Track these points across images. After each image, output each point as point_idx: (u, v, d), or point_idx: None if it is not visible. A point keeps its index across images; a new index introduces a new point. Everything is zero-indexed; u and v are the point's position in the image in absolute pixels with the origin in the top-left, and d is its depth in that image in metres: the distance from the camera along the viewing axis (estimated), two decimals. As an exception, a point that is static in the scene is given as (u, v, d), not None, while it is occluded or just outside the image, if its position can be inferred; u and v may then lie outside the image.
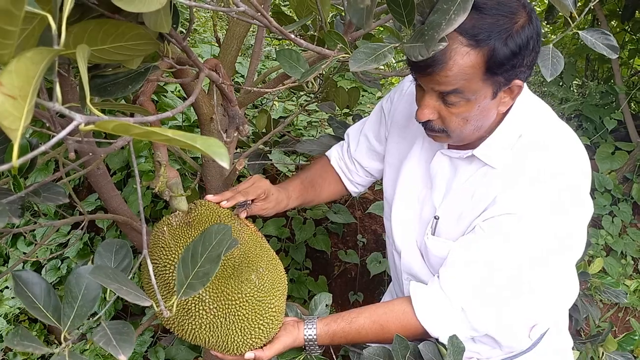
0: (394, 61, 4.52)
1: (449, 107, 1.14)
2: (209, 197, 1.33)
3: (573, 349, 1.63)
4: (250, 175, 2.75)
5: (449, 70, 1.07)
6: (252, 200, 1.38)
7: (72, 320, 0.93)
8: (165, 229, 1.24)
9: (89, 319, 0.98)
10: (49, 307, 0.93)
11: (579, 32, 1.28)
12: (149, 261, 0.88)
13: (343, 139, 1.73)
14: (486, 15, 1.05)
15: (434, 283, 1.27)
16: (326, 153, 1.71)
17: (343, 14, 1.77)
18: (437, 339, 1.27)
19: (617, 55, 1.24)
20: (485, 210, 1.23)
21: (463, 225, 1.28)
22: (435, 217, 1.33)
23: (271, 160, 2.57)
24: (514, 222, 1.18)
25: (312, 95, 2.26)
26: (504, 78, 1.10)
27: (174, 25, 0.91)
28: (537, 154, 1.19)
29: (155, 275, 1.21)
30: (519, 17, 1.07)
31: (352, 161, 1.63)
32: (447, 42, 0.88)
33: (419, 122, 1.21)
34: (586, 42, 1.26)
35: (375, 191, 3.16)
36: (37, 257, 2.76)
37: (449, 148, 1.32)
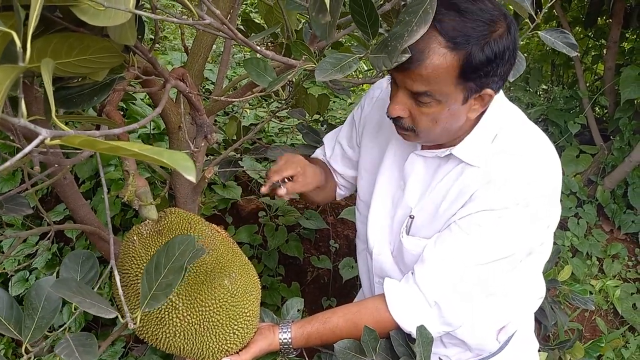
0: (365, 67, 4.56)
1: (420, 107, 1.14)
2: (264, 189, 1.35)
3: (539, 351, 1.66)
4: (222, 182, 2.75)
5: (424, 69, 1.06)
6: (290, 178, 1.37)
7: (33, 331, 0.93)
8: (135, 238, 1.24)
9: (52, 330, 0.98)
10: (11, 319, 0.93)
11: (539, 32, 1.32)
12: (115, 272, 0.89)
13: (316, 148, 1.73)
14: (467, 20, 1.05)
15: (408, 279, 1.29)
16: (312, 156, 1.71)
17: (311, 22, 1.78)
18: (409, 335, 1.28)
19: (577, 53, 1.28)
20: (461, 207, 1.24)
21: (439, 223, 1.29)
22: (410, 217, 1.34)
23: (242, 167, 2.57)
24: (491, 219, 1.19)
25: (282, 102, 2.26)
26: (475, 85, 1.11)
27: (140, 37, 0.92)
28: (515, 159, 1.21)
29: (127, 286, 1.20)
30: (499, 26, 1.08)
31: (328, 166, 1.64)
32: (409, 53, 0.90)
33: (389, 118, 1.21)
34: (546, 41, 1.29)
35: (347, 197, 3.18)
36: (4, 268, 2.71)
37: (422, 149, 1.33)
